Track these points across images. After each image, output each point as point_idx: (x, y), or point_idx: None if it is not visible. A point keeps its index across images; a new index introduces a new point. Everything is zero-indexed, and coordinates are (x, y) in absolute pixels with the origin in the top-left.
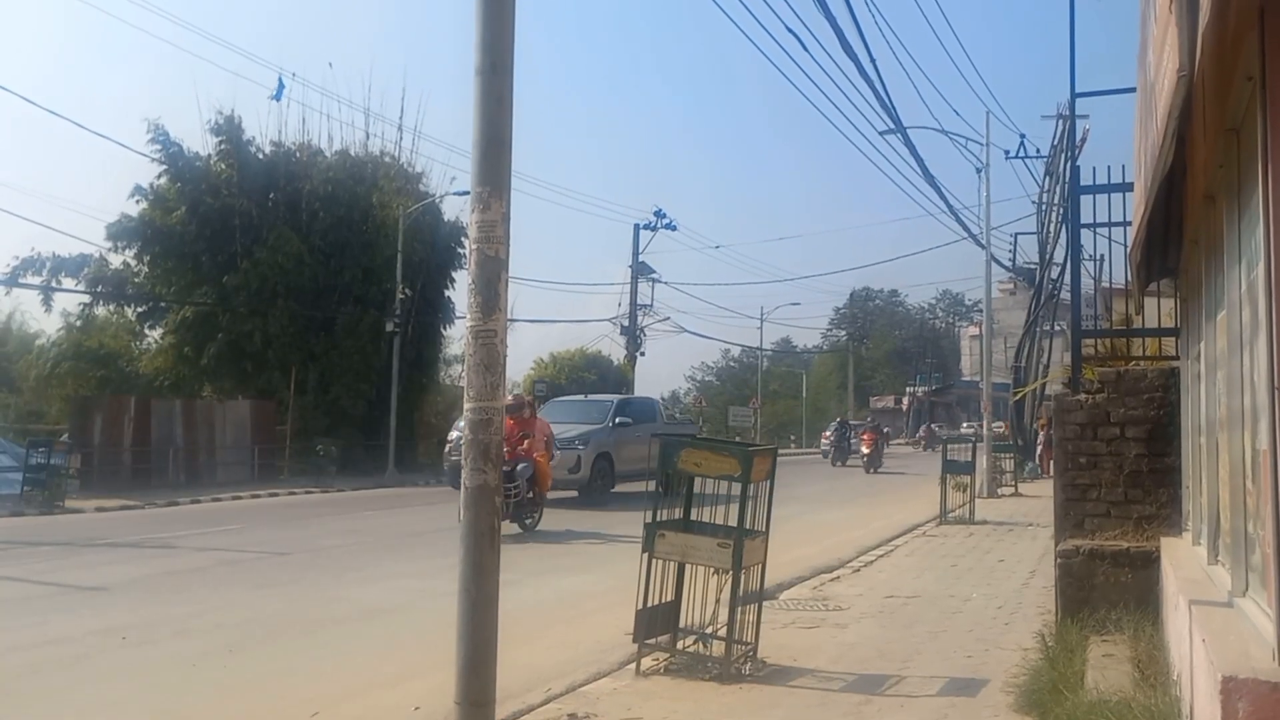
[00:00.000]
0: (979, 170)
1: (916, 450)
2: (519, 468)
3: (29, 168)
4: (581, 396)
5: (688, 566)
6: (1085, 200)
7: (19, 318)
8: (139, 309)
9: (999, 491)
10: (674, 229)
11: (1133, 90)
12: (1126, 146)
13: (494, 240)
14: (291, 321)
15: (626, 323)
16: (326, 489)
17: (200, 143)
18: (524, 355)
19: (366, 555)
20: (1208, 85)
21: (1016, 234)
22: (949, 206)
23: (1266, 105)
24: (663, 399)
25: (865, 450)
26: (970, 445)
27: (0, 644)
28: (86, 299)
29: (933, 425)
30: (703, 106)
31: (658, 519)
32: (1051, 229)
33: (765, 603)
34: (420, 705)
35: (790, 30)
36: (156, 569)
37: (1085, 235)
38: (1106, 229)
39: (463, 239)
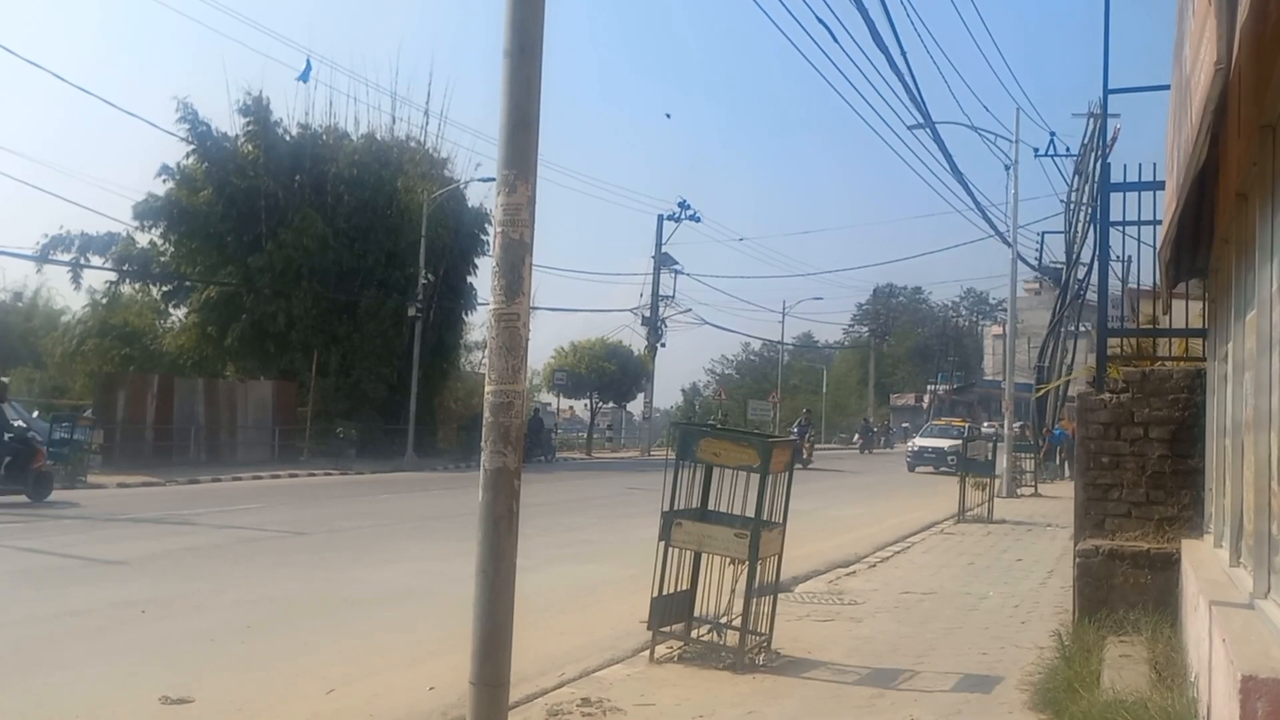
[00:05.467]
0: (1007, 167)
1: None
2: None
3: (62, 146)
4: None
5: (704, 556)
6: (1114, 200)
7: (45, 294)
8: (164, 288)
9: (1019, 491)
10: (698, 220)
11: (1166, 88)
12: (1156, 148)
13: (519, 224)
14: (315, 304)
15: (648, 313)
16: (346, 471)
17: (228, 123)
18: (545, 344)
19: (384, 537)
20: (1244, 81)
21: (1043, 233)
22: (976, 203)
23: None
24: (682, 391)
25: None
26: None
27: (21, 614)
28: (113, 277)
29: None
30: (732, 98)
31: (675, 508)
32: (1079, 228)
33: (780, 595)
34: (435, 685)
35: (820, 20)
36: (176, 545)
37: (1114, 235)
38: (1135, 228)
39: (486, 225)
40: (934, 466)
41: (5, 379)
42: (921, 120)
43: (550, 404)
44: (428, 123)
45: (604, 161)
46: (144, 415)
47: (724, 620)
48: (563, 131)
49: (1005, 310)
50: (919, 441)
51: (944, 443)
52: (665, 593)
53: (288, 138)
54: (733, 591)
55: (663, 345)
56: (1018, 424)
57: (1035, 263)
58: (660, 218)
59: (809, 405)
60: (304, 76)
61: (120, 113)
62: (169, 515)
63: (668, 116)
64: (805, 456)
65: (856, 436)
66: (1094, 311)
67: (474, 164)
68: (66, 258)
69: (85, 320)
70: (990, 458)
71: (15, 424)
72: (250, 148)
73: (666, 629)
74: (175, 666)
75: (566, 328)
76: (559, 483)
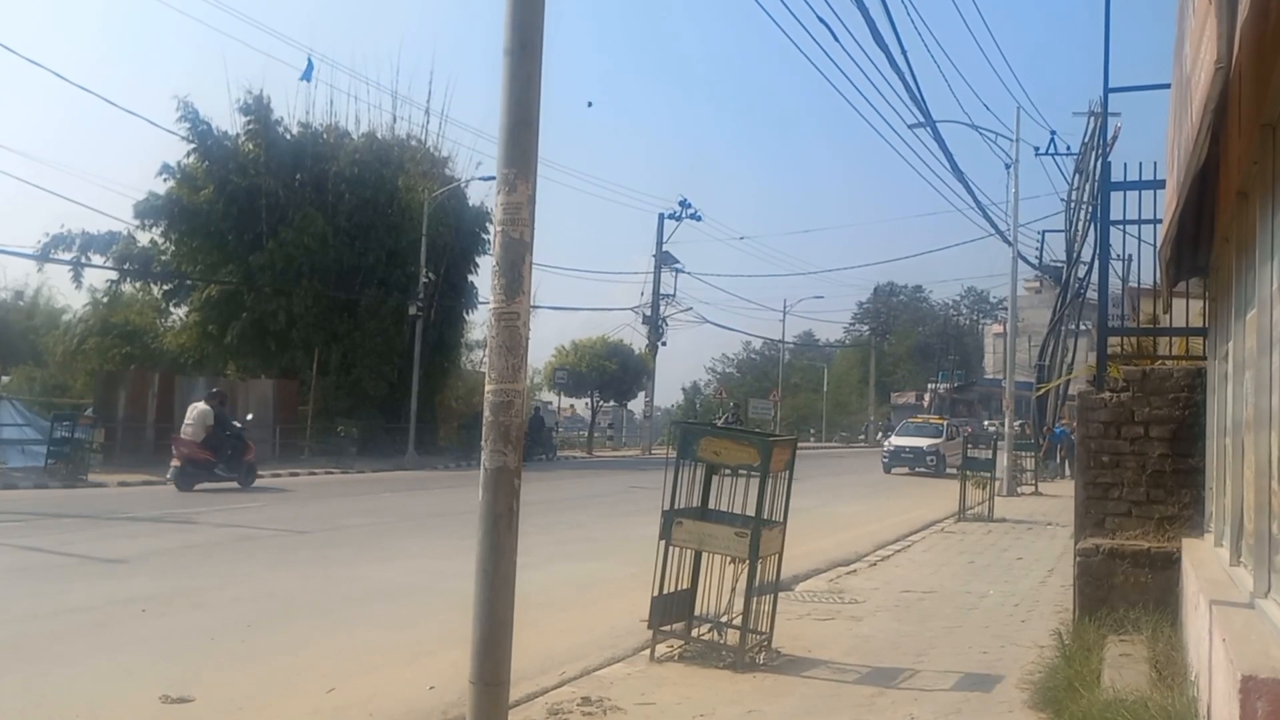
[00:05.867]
0: (1008, 166)
1: None
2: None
3: (63, 145)
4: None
5: (704, 555)
6: (1115, 198)
7: (46, 292)
8: (165, 286)
9: (1019, 490)
10: (699, 219)
11: (1167, 86)
12: (1157, 147)
13: (519, 222)
14: (315, 302)
15: (649, 312)
16: (347, 469)
17: (229, 122)
18: (546, 342)
19: (385, 535)
20: (1244, 80)
21: (1044, 231)
22: (976, 202)
23: None
24: (683, 390)
25: None
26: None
27: (22, 611)
28: (114, 275)
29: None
30: (733, 97)
31: (675, 507)
32: (1080, 227)
33: (781, 594)
34: (435, 684)
35: (821, 19)
36: (176, 543)
37: (1114, 234)
38: (1136, 227)
39: (487, 224)
40: (910, 467)
41: (219, 389)
42: (922, 119)
43: (551, 402)
44: (428, 121)
45: (605, 161)
46: (145, 413)
47: (724, 619)
48: (563, 131)
49: (1006, 309)
50: (895, 441)
51: (922, 441)
52: (666, 591)
53: (288, 136)
54: (733, 590)
55: (663, 344)
56: (1018, 422)
57: (1036, 261)
58: (661, 216)
59: (736, 400)
60: (306, 76)
61: (121, 111)
62: (169, 513)
63: (589, 105)
64: None
65: (882, 435)
66: (1094, 310)
67: (475, 163)
68: (67, 256)
69: (86, 319)
70: (990, 455)
71: (234, 424)
72: (251, 146)
73: (667, 628)
74: (175, 664)
75: (567, 326)
76: (559, 481)
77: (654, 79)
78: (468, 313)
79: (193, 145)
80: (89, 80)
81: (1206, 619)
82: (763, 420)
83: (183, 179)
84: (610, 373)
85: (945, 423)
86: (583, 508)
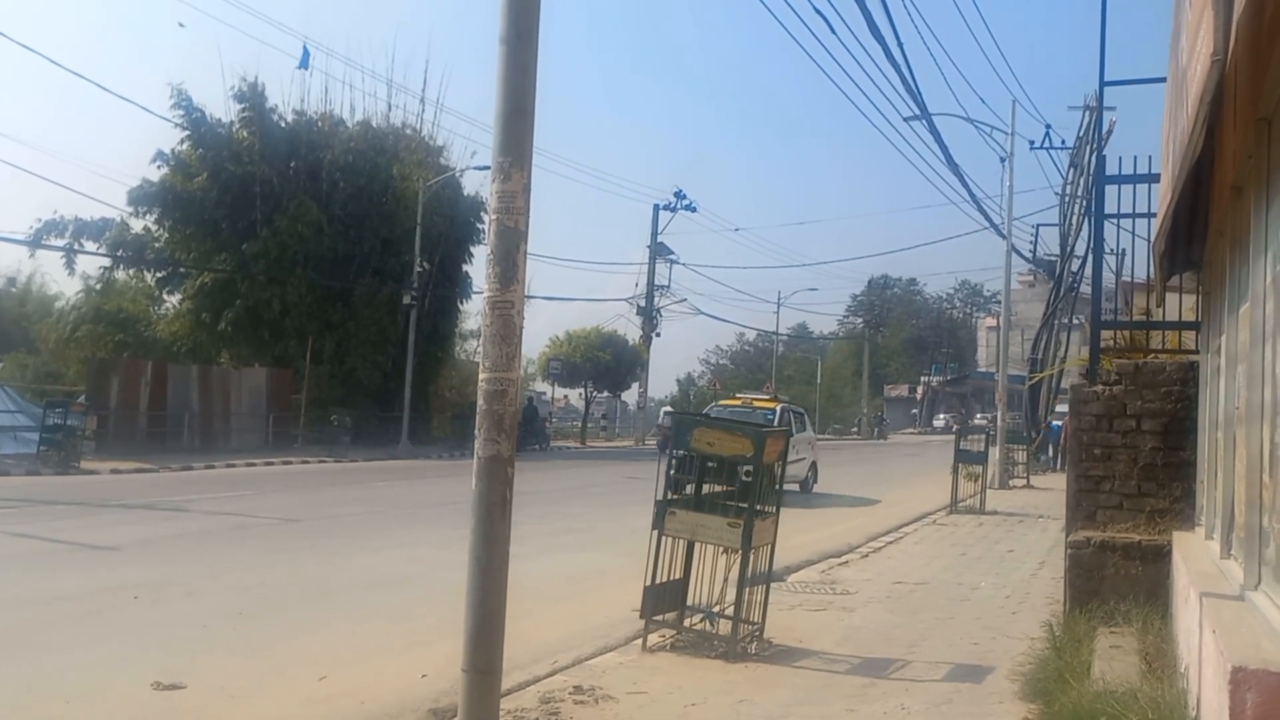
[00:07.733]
0: (1003, 160)
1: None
2: None
3: (57, 131)
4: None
5: (697, 545)
6: (1109, 192)
7: (39, 279)
8: (158, 274)
9: (1010, 483)
10: (694, 210)
11: (1162, 80)
12: (1152, 141)
13: (514, 211)
14: (309, 291)
15: (643, 303)
16: (340, 459)
17: (223, 109)
18: (540, 332)
19: (378, 525)
20: (1240, 73)
21: (1038, 225)
22: (971, 195)
23: None
24: (677, 381)
25: None
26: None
27: (14, 599)
28: (107, 263)
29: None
30: (729, 89)
31: (669, 497)
32: (1074, 221)
33: (773, 584)
34: (427, 673)
35: (818, 11)
36: (169, 531)
37: (1108, 227)
38: (1130, 221)
39: (482, 213)
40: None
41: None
42: (918, 112)
43: (545, 393)
44: (424, 110)
45: (601, 151)
46: (137, 401)
47: (717, 609)
48: (559, 121)
49: (999, 302)
50: None
51: None
52: (658, 581)
53: (283, 124)
54: (726, 580)
55: (658, 335)
56: (1011, 415)
57: (1030, 255)
58: (656, 207)
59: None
60: (303, 64)
61: (115, 98)
62: (162, 501)
63: (181, 25)
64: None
65: (876, 430)
66: (1088, 304)
67: (470, 152)
68: (60, 243)
69: (79, 306)
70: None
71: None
72: (245, 134)
73: (659, 617)
74: (168, 651)
75: (561, 316)
76: (553, 471)
77: (650, 71)
78: (462, 302)
79: (187, 132)
80: (84, 67)
81: (1197, 611)
82: None
83: (177, 166)
84: (604, 363)
85: (780, 407)
86: (577, 498)
